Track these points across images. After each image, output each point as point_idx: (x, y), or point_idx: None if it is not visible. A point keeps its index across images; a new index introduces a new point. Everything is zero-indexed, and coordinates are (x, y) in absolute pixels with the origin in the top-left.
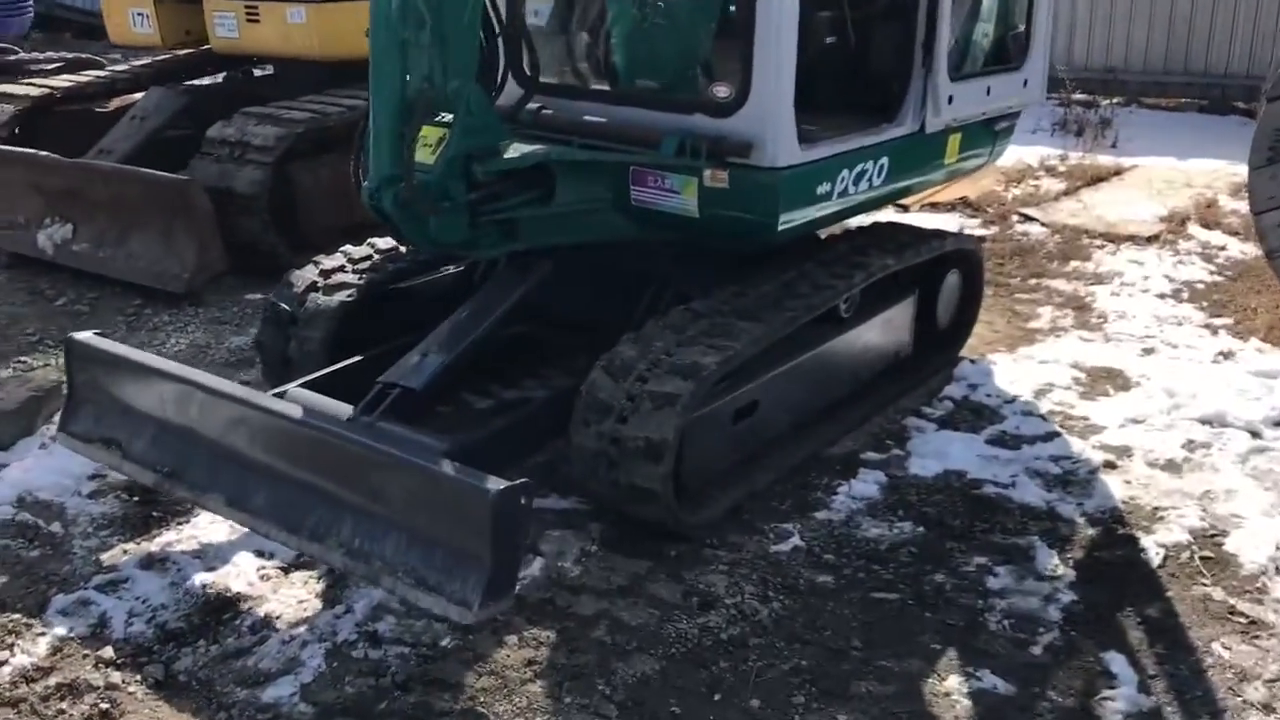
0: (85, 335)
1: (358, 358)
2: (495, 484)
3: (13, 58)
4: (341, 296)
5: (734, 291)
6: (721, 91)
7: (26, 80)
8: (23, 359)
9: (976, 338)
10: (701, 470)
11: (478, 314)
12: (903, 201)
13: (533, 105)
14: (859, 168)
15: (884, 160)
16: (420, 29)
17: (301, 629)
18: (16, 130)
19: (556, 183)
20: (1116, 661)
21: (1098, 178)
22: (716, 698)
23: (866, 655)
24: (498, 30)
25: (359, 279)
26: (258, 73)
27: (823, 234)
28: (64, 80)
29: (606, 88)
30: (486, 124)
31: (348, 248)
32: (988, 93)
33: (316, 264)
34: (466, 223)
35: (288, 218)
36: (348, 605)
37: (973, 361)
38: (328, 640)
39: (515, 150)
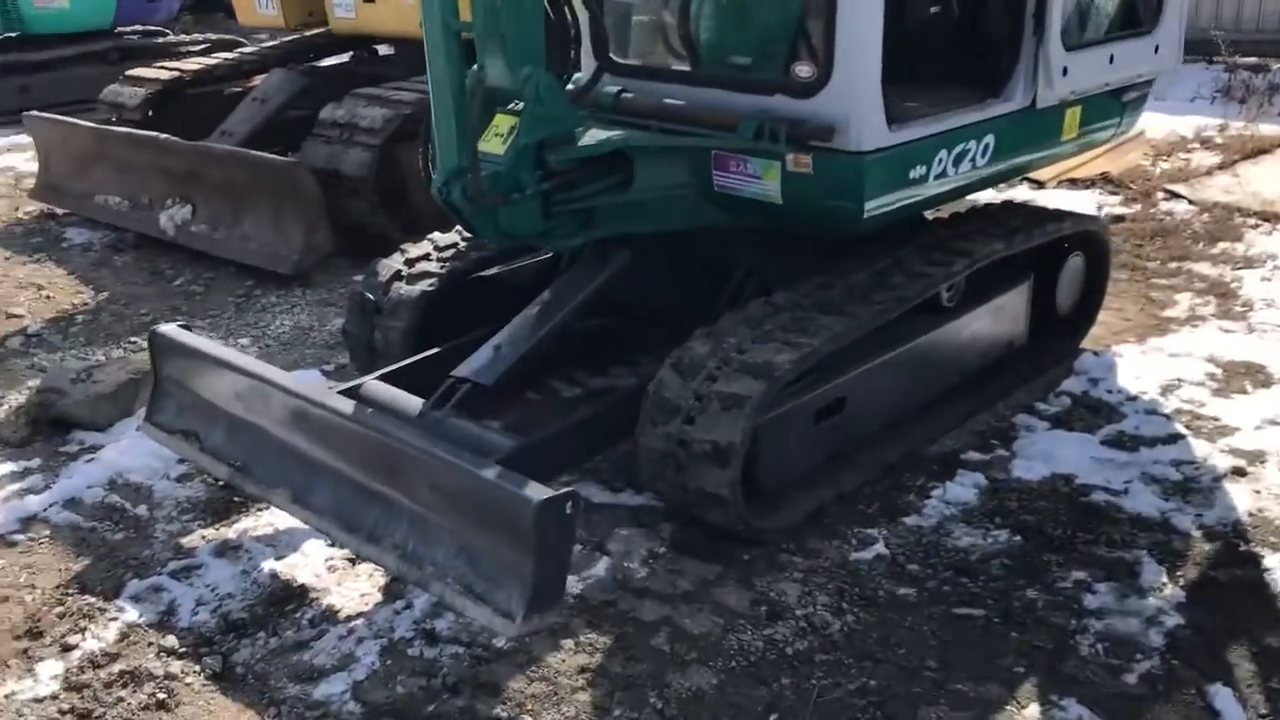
0: (168, 327)
1: (436, 349)
2: (538, 492)
3: (160, 40)
4: (423, 286)
5: (820, 282)
6: (803, 71)
7: (159, 64)
8: (133, 339)
9: (1103, 326)
10: (779, 472)
11: (553, 306)
12: (1037, 177)
13: (612, 88)
14: (959, 148)
15: (989, 139)
16: (478, 16)
17: (360, 624)
18: (150, 112)
19: (635, 169)
20: (1222, 696)
21: (1259, 150)
22: (773, 717)
23: (941, 677)
24: (568, 9)
25: (442, 268)
26: (382, 52)
27: (931, 214)
28: (193, 63)
29: (687, 69)
30: (558, 111)
31: (435, 235)
32: (1111, 61)
33: (403, 252)
34: (539, 213)
35: (397, 199)
36: (408, 601)
37: (1096, 353)
38: (384, 637)
39: (591, 137)
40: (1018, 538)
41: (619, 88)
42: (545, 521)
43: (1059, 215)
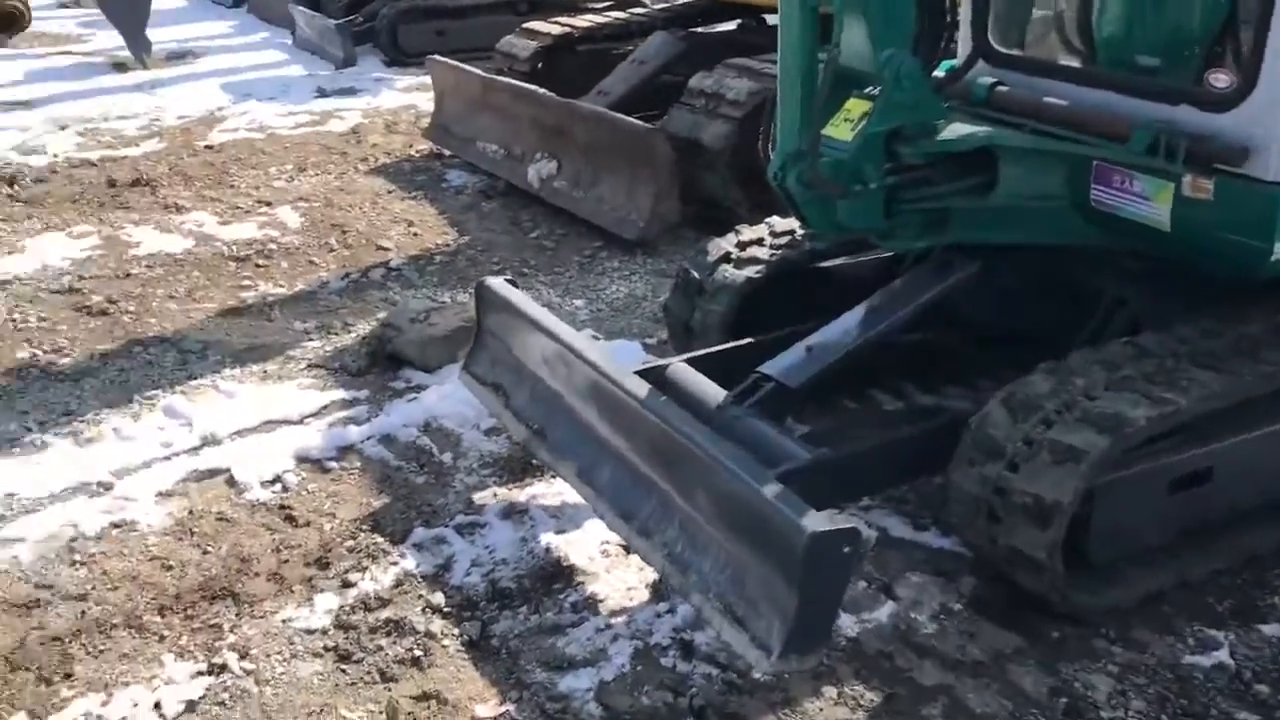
0: (494, 281)
1: (752, 339)
2: (815, 523)
3: None
4: (749, 272)
5: (1204, 328)
6: (1220, 80)
7: (553, 19)
8: None
9: None
10: (1115, 543)
11: (880, 312)
12: None
13: (986, 80)
14: None
15: None
16: None
17: (620, 620)
18: (539, 65)
19: (1000, 171)
20: None
21: None
22: None
23: None
24: None
25: (772, 255)
26: (771, 21)
27: None
28: (584, 20)
29: (1078, 65)
30: (919, 100)
31: (774, 219)
32: None
33: (737, 233)
34: (881, 209)
35: (755, 176)
36: (671, 604)
37: None
38: (640, 639)
39: (952, 131)
40: None
41: (994, 80)
42: (817, 557)
43: None
